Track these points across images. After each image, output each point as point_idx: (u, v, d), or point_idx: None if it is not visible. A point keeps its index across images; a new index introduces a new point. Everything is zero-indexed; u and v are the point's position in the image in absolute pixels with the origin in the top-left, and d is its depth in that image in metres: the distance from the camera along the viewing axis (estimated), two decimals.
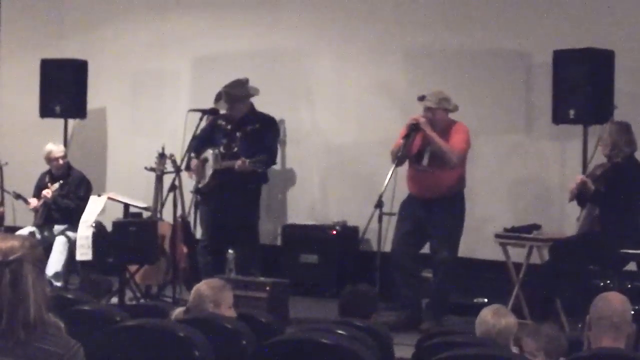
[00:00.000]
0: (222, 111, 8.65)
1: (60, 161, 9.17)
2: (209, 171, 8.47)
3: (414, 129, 7.62)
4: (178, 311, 4.84)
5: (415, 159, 7.72)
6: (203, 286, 4.86)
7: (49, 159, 9.20)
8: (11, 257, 2.97)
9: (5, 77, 11.32)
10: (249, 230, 8.58)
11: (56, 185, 8.94)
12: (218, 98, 8.57)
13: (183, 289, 8.08)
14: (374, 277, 7.45)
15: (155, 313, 5.02)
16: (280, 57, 9.78)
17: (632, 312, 4.47)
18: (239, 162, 8.13)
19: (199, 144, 8.48)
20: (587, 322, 4.36)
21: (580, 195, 7.14)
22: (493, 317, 4.67)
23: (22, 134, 10.82)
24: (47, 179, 9.20)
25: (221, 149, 8.48)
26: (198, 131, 8.53)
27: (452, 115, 7.78)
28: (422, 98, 7.72)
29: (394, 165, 7.56)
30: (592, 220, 7.15)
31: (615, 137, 7.06)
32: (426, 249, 7.89)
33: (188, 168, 8.44)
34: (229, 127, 8.54)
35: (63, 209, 8.97)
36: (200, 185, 8.50)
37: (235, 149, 8.41)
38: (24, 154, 10.23)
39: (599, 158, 7.34)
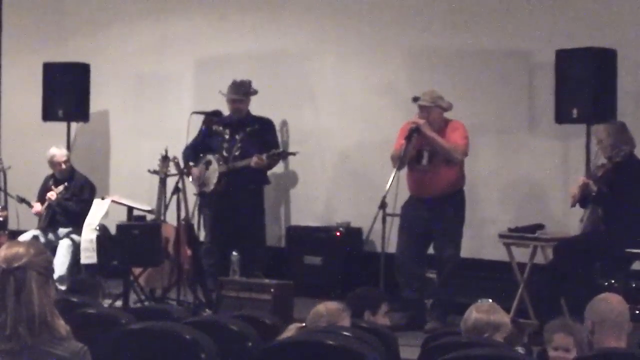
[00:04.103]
0: (226, 113, 8.68)
1: (63, 165, 9.17)
2: (213, 175, 8.46)
3: (414, 131, 7.64)
4: (294, 326, 4.84)
5: (415, 159, 7.74)
6: (322, 307, 4.89)
7: (52, 163, 9.20)
8: (15, 265, 3.00)
9: (8, 80, 11.33)
10: (256, 232, 8.60)
11: (60, 188, 8.93)
12: (233, 89, 8.56)
13: (187, 291, 8.09)
14: (378, 277, 7.46)
15: (161, 316, 5.02)
16: (283, 58, 9.78)
17: (638, 312, 4.48)
18: (255, 159, 8.17)
19: (192, 153, 8.53)
20: (588, 327, 4.33)
21: (583, 197, 7.14)
22: (468, 312, 4.66)
23: (25, 138, 10.83)
24: (51, 182, 9.21)
25: (223, 152, 8.49)
26: (191, 140, 8.58)
27: (449, 114, 7.80)
28: (416, 99, 7.75)
29: (395, 169, 7.57)
30: (595, 221, 7.14)
31: (613, 138, 7.08)
32: (430, 249, 7.90)
33: (187, 175, 8.44)
34: (226, 131, 8.56)
35: (68, 212, 8.96)
36: (204, 189, 8.48)
37: (238, 152, 8.43)
38: (27, 157, 10.23)
39: (599, 159, 7.34)
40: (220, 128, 8.60)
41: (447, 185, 7.72)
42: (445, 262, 7.71)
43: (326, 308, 4.89)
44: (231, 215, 8.48)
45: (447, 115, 7.79)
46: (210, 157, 8.51)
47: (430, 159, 7.69)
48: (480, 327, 4.57)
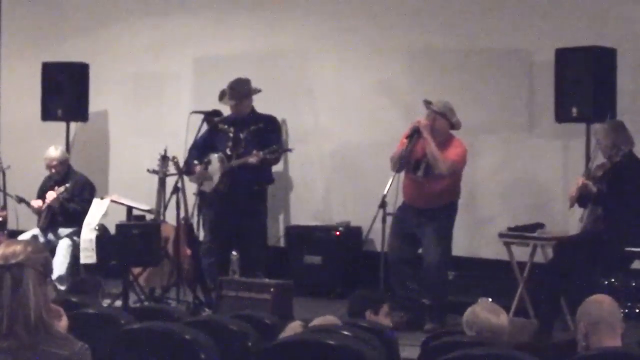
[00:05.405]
0: (225, 113, 8.67)
1: (58, 167, 9.07)
2: (215, 174, 8.45)
3: (415, 131, 7.65)
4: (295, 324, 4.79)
5: (412, 169, 7.74)
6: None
7: (45, 164, 9.16)
8: (12, 261, 3.01)
9: (7, 80, 11.33)
10: (258, 232, 8.60)
11: (61, 189, 8.89)
12: (222, 95, 8.57)
13: (187, 291, 8.08)
14: (377, 277, 7.45)
15: (161, 316, 5.02)
16: (282, 57, 9.77)
17: (638, 311, 4.48)
18: (253, 156, 8.18)
19: (200, 153, 8.50)
20: (582, 330, 4.31)
21: (582, 197, 7.14)
22: (474, 314, 4.65)
23: (24, 138, 10.82)
24: (51, 182, 9.17)
25: (227, 151, 8.49)
26: (197, 139, 8.57)
27: (457, 132, 7.79)
28: (428, 103, 7.75)
29: (394, 172, 7.57)
30: (595, 220, 7.14)
31: (612, 137, 7.08)
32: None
33: (188, 173, 8.43)
34: (231, 129, 8.56)
35: (69, 213, 8.92)
36: (203, 188, 8.46)
37: (242, 150, 8.43)
38: (26, 157, 10.22)
39: (598, 159, 7.34)
40: (226, 126, 8.60)
41: (439, 198, 7.73)
42: (430, 269, 7.69)
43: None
44: (232, 215, 8.46)
45: (456, 133, 7.79)
46: (211, 156, 8.49)
47: (426, 171, 7.69)
48: (502, 331, 4.58)
